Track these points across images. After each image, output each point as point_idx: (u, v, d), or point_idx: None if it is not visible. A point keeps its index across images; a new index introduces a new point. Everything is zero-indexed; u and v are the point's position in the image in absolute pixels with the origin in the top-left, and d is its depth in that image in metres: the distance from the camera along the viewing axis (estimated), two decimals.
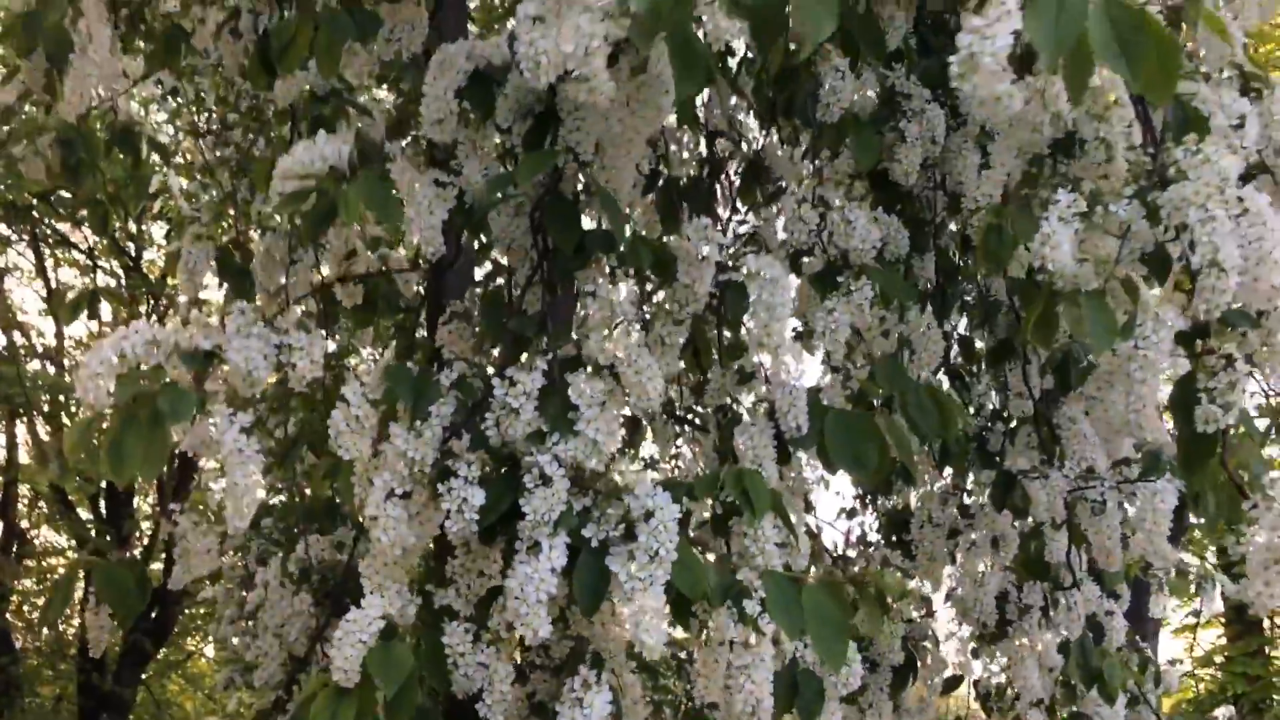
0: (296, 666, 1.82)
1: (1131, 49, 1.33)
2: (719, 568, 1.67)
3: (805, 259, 2.07)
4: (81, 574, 2.16)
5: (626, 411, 1.94)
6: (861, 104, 2.15)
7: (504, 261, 1.86)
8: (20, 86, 2.61)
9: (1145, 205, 1.65)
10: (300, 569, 1.86)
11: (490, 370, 1.74)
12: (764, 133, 2.50)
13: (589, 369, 1.59)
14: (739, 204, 2.46)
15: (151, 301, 9.37)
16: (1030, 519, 2.25)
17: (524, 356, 1.67)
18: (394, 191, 1.83)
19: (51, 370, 10.03)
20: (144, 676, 9.11)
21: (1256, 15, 2.52)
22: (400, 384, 1.65)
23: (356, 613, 1.53)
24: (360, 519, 1.81)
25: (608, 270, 1.79)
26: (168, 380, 1.75)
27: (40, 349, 11.63)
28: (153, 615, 8.44)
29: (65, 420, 9.29)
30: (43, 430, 11.56)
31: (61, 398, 8.93)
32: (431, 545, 1.75)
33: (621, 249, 1.69)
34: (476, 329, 1.89)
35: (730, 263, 1.83)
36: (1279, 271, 1.65)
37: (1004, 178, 2.04)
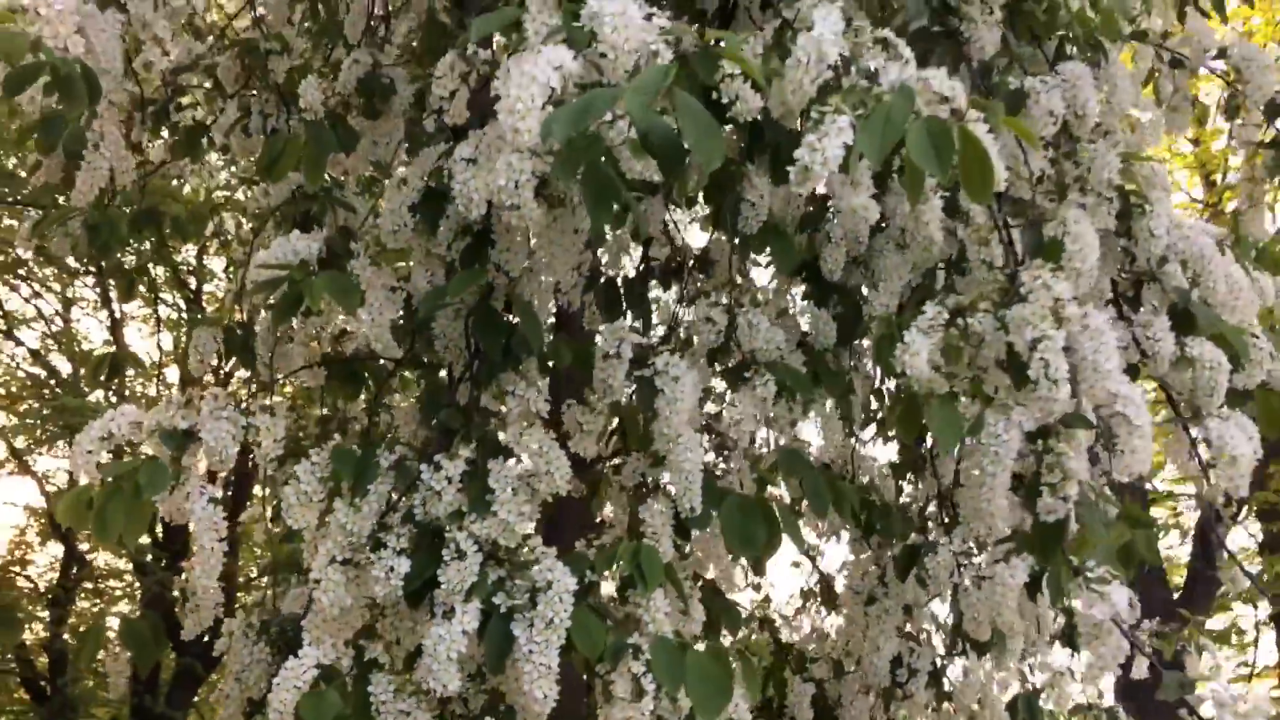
0: (253, 709, 2.08)
1: (942, 154, 1.56)
2: (619, 631, 1.91)
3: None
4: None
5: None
6: (783, 214, 2.40)
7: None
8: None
9: (998, 320, 1.90)
10: (261, 621, 2.12)
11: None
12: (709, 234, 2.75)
13: (505, 459, 1.85)
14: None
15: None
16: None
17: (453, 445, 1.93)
18: (356, 285, 2.11)
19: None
20: (195, 700, 9.39)
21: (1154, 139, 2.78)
22: (345, 465, 1.92)
23: (294, 661, 1.79)
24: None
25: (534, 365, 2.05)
26: (149, 456, 2.03)
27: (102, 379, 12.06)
28: (204, 639, 8.75)
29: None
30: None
31: None
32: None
33: (541, 352, 1.95)
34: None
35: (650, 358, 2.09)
36: (1114, 380, 1.89)
37: (899, 289, 2.29)
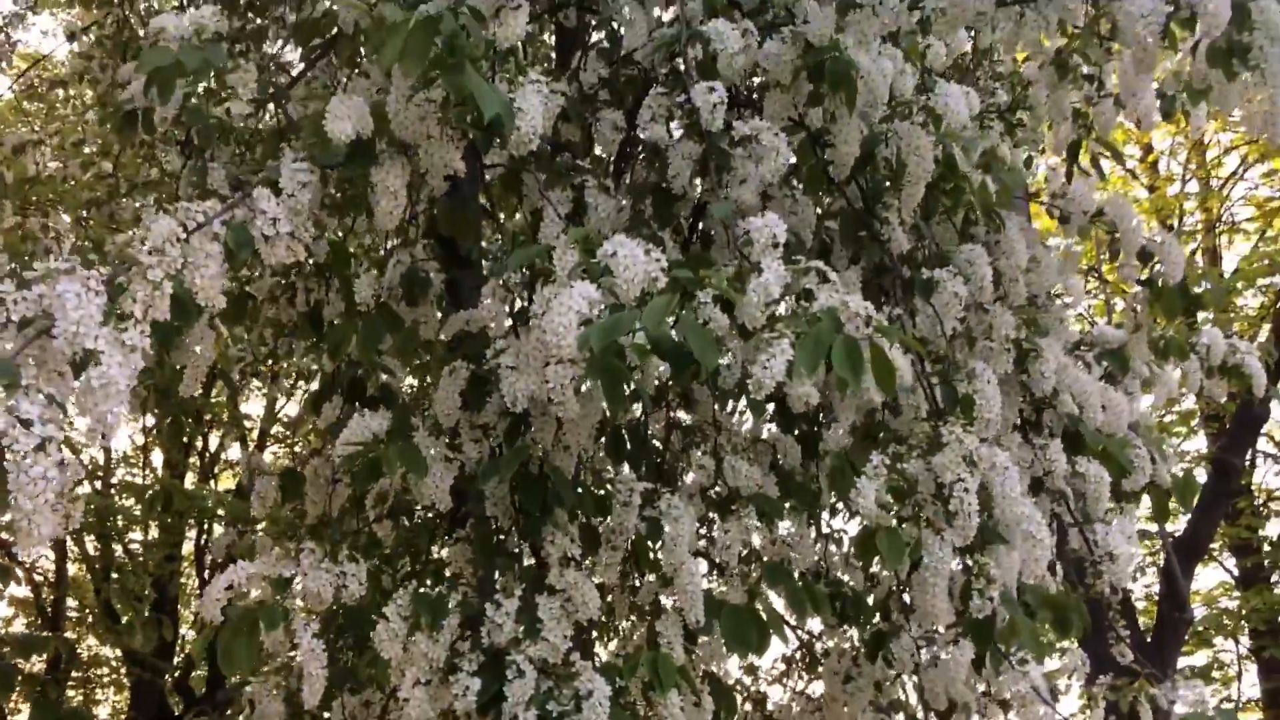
0: None
1: (856, 366, 2.11)
2: None
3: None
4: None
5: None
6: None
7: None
8: None
9: (927, 465, 2.47)
10: None
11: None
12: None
13: (548, 593, 2.40)
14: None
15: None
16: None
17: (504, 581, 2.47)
18: (420, 455, 2.66)
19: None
20: None
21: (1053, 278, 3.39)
22: (423, 606, 2.45)
23: None
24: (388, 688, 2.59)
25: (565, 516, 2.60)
26: (262, 600, 2.55)
27: (89, 466, 12.62)
28: None
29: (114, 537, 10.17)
30: (90, 546, 12.39)
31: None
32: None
33: (569, 507, 2.51)
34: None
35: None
36: (1018, 505, 2.46)
37: (848, 425, 2.86)
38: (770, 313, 2.11)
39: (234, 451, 11.55)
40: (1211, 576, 13.28)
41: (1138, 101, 2.41)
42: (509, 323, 2.61)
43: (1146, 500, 3.29)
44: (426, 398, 3.45)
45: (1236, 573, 12.09)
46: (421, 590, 2.49)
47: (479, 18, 2.20)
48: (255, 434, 10.90)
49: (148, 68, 2.30)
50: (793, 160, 2.80)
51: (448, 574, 2.63)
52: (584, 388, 2.41)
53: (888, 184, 2.73)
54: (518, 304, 2.80)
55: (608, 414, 2.49)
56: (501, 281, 2.56)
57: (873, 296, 2.84)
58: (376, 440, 2.63)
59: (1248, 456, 10.49)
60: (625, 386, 2.31)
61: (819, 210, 2.96)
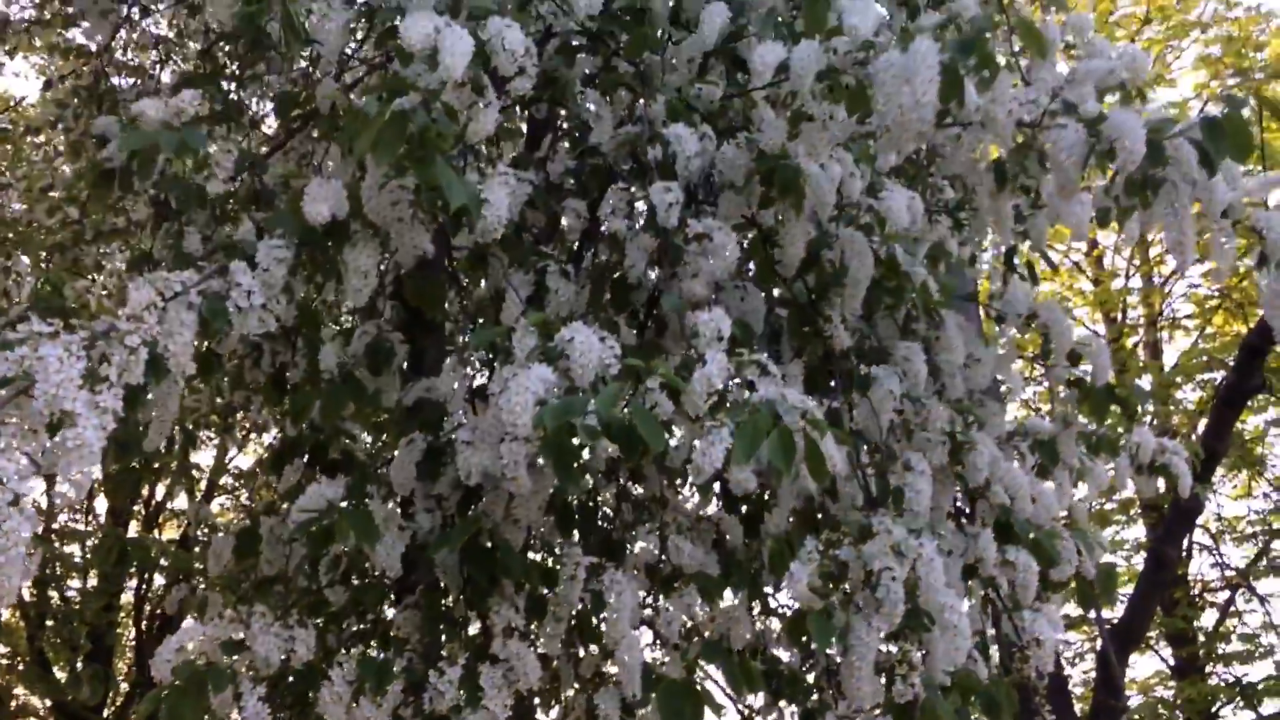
0: None
1: (789, 456, 2.24)
2: None
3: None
4: None
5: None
6: None
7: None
8: None
9: (858, 553, 2.59)
10: None
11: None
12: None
13: (491, 662, 2.48)
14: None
15: None
16: None
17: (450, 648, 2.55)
18: (372, 523, 2.74)
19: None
20: None
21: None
22: (368, 670, 2.52)
23: None
24: None
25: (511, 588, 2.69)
26: (212, 663, 2.61)
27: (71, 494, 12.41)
28: None
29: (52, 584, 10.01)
30: (27, 592, 12.17)
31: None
32: None
33: (516, 579, 2.60)
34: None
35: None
36: (941, 594, 2.59)
37: (788, 513, 2.99)
38: (712, 402, 2.24)
39: (180, 501, 11.48)
40: (1148, 665, 13.47)
41: (1067, 216, 2.58)
42: (465, 398, 2.71)
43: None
44: (383, 460, 3.54)
45: (1172, 662, 12.30)
46: (367, 654, 2.57)
47: (451, 113, 2.35)
48: (203, 484, 10.85)
49: (126, 148, 2.42)
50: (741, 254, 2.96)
51: (395, 637, 2.70)
52: (539, 463, 2.53)
53: (831, 284, 2.89)
54: (478, 380, 2.92)
55: (560, 489, 2.59)
56: (462, 358, 2.68)
57: (817, 388, 2.99)
58: (331, 507, 2.72)
59: (1184, 547, 10.76)
60: (576, 464, 2.43)
61: (770, 300, 3.12)
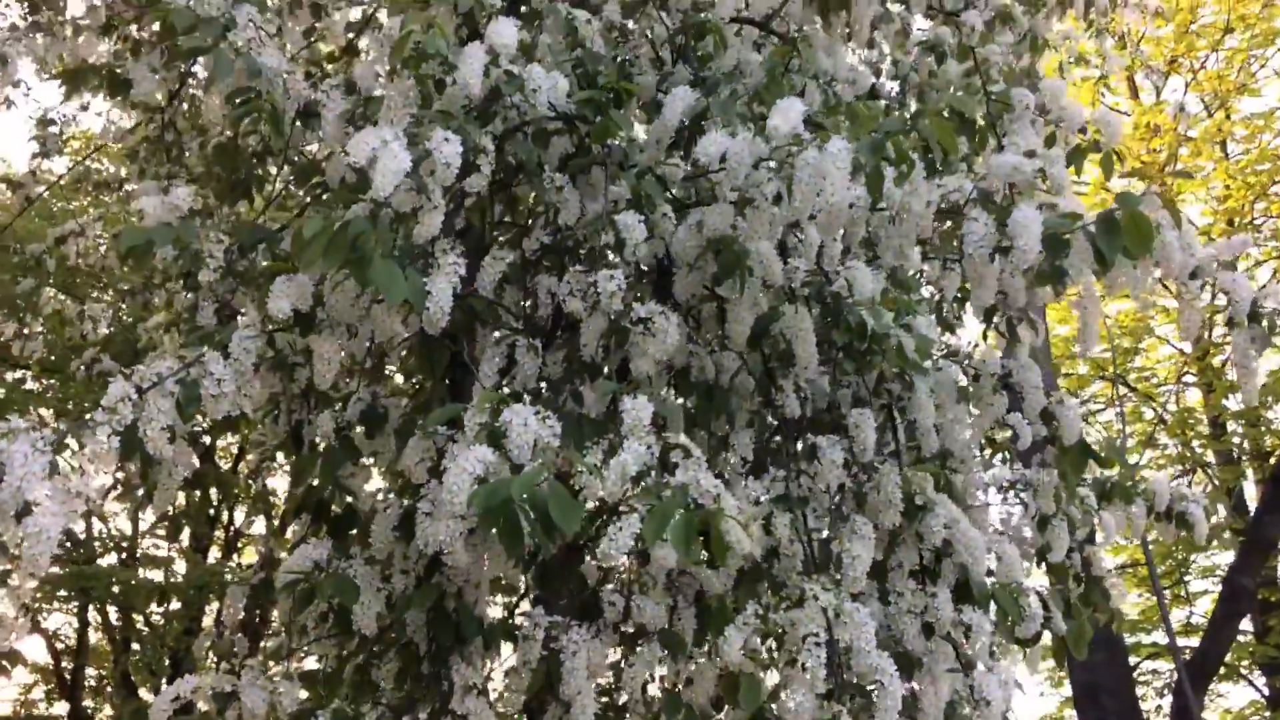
0: None
1: (689, 539, 2.38)
2: None
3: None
4: None
5: None
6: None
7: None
8: None
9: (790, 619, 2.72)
10: None
11: None
12: None
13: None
14: None
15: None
16: None
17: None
18: (351, 584, 2.96)
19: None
20: None
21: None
22: None
23: None
24: None
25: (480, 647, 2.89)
26: (204, 712, 2.86)
27: (115, 535, 13.22)
28: None
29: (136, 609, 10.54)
30: (114, 615, 12.85)
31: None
32: None
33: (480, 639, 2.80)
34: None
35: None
36: (872, 657, 2.70)
37: (731, 575, 3.09)
38: (627, 488, 2.40)
39: (258, 525, 11.97)
40: (1242, 695, 13.15)
41: (982, 296, 2.68)
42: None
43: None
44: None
45: (1267, 692, 12.00)
46: (340, 708, 2.79)
47: (401, 218, 2.57)
48: (279, 510, 11.28)
49: (125, 245, 2.69)
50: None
51: (372, 687, 2.92)
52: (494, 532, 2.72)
53: (782, 356, 3.04)
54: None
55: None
56: (426, 431, 2.88)
57: (770, 455, 3.13)
58: (316, 567, 2.95)
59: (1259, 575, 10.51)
60: (521, 538, 2.61)
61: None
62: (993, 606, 3.21)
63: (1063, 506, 3.73)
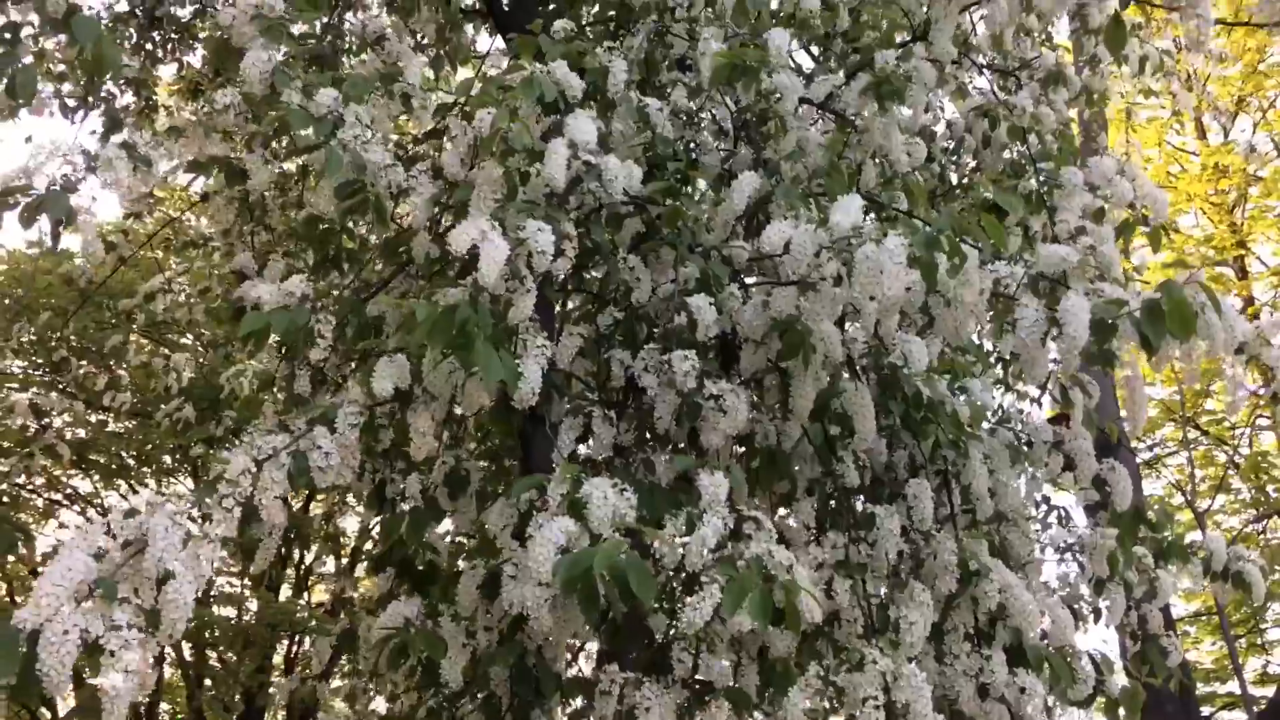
0: None
1: (765, 612, 2.55)
2: None
3: None
4: None
5: None
6: None
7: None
8: None
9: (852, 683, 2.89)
10: None
11: None
12: None
13: None
14: None
15: None
16: None
17: None
18: (439, 641, 3.18)
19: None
20: None
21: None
22: None
23: None
24: None
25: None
26: None
27: None
28: None
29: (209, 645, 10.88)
30: (187, 651, 13.22)
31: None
32: None
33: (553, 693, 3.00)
34: None
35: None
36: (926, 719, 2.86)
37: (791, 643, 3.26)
38: (707, 558, 2.60)
39: (328, 565, 12.27)
40: None
41: (1034, 373, 2.84)
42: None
43: None
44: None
45: None
46: None
47: (496, 301, 2.80)
48: (349, 550, 11.56)
49: (245, 330, 2.95)
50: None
51: None
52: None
53: (842, 428, 3.22)
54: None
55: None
56: (509, 499, 3.10)
57: (830, 520, 3.31)
58: (408, 624, 3.18)
59: None
60: (597, 602, 2.80)
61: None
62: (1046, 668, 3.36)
63: (1119, 570, 3.85)
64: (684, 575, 2.83)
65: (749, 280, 3.56)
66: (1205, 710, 10.64)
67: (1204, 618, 12.40)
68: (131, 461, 13.97)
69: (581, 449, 3.47)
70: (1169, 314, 2.54)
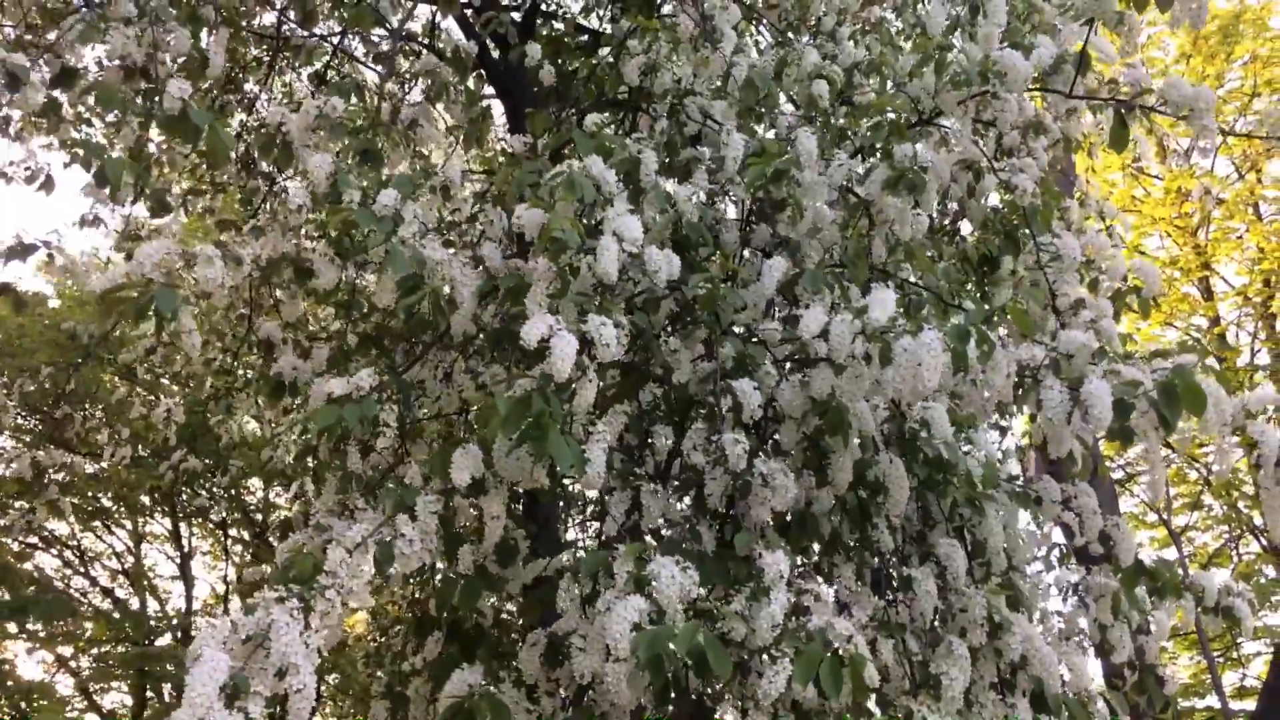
0: None
1: (837, 681, 2.83)
2: None
3: None
4: None
5: None
6: None
7: None
8: None
9: None
10: None
11: None
12: None
13: None
14: None
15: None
16: None
17: None
18: (504, 708, 3.38)
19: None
20: None
21: None
22: None
23: None
24: None
25: None
26: None
27: (172, 612, 13.61)
28: None
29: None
30: (168, 693, 13.17)
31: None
32: None
33: None
34: None
35: None
36: None
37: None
38: (776, 633, 2.83)
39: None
40: None
41: (1058, 447, 3.12)
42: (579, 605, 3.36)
43: None
44: (510, 631, 4.23)
45: None
46: None
47: (560, 389, 3.03)
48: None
49: (321, 424, 3.16)
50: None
51: None
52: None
53: (876, 496, 3.48)
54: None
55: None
56: (575, 576, 3.32)
57: (866, 580, 3.56)
58: (471, 692, 3.38)
59: None
60: (670, 687, 3.03)
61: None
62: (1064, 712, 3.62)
63: (1123, 611, 4.13)
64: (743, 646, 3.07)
65: (779, 357, 3.81)
66: None
67: (1183, 634, 12.78)
68: (108, 503, 14.04)
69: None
70: (1183, 395, 2.82)
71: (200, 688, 2.24)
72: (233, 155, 6.90)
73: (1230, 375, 12.81)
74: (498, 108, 6.11)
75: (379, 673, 5.48)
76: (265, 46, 7.43)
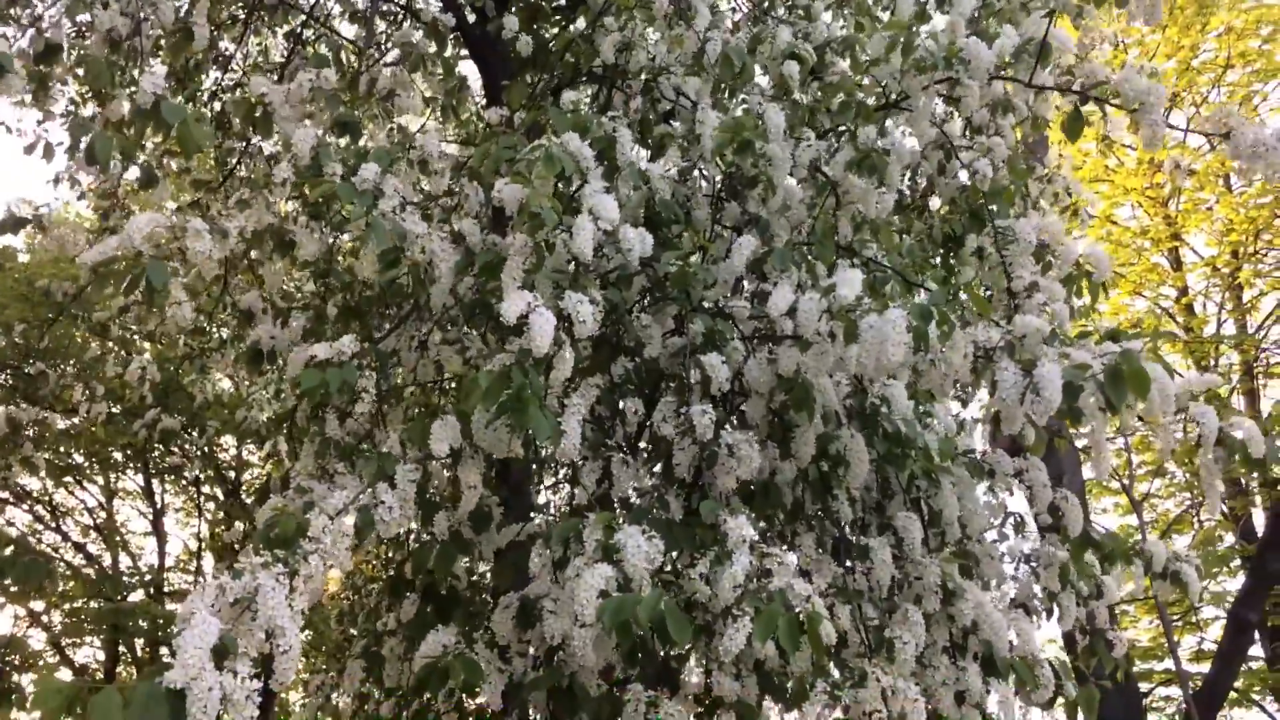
0: None
1: (794, 638, 2.99)
2: None
3: None
4: None
5: None
6: None
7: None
8: None
9: (855, 699, 3.31)
10: None
11: None
12: None
13: None
14: None
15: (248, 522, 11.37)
16: None
17: None
18: (478, 667, 3.53)
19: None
20: None
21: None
22: None
23: None
24: None
25: None
26: None
27: (144, 569, 13.71)
28: None
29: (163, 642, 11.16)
30: (140, 648, 13.28)
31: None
32: None
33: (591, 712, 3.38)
34: None
35: None
36: None
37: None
38: (738, 593, 2.98)
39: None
40: None
41: (1009, 425, 3.27)
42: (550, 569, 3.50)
43: None
44: (482, 592, 4.37)
45: (1278, 717, 12.58)
46: None
47: (538, 364, 3.15)
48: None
49: (305, 386, 3.26)
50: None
51: None
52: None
53: (837, 469, 3.63)
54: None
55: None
56: (546, 541, 3.46)
57: (828, 550, 3.72)
58: (445, 652, 3.52)
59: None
60: (637, 648, 3.18)
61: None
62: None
63: (1070, 580, 4.31)
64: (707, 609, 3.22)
65: (747, 333, 3.94)
66: (1143, 687, 11.31)
67: (1141, 599, 13.11)
68: (80, 458, 14.04)
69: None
70: (1128, 379, 2.98)
71: (192, 649, 2.36)
72: (207, 114, 6.92)
73: (1196, 346, 13.12)
74: (475, 79, 6.16)
75: (353, 630, 5.62)
76: (241, 3, 7.42)
